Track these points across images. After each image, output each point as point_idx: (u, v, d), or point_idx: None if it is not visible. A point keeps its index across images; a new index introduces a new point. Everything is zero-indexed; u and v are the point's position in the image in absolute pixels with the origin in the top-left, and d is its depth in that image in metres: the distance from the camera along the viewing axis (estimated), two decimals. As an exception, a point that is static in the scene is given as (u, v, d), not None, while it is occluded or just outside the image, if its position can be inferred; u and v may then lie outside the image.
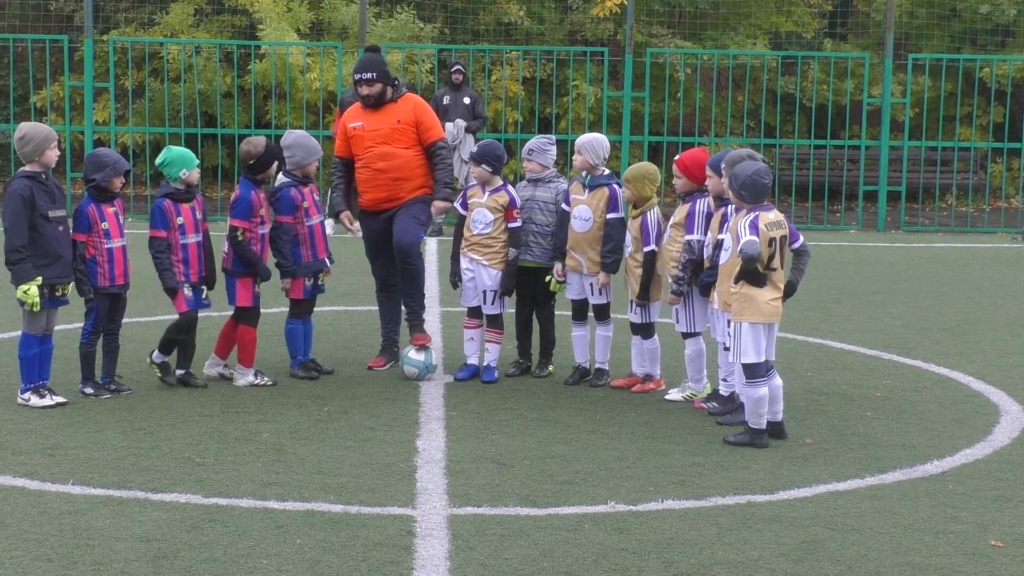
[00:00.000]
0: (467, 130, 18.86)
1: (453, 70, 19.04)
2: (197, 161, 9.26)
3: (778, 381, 8.10)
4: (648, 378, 9.40)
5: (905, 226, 21.28)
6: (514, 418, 8.57)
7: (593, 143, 9.41)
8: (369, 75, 9.76)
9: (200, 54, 22.07)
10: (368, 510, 6.62)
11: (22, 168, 8.55)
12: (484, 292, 9.50)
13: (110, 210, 8.82)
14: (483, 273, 9.48)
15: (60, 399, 8.59)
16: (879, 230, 20.98)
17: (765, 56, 22.28)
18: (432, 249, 17.03)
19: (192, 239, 9.11)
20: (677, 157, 9.05)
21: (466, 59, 21.46)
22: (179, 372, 9.24)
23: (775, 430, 8.08)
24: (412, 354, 9.60)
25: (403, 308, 9.99)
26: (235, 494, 6.81)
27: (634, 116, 21.70)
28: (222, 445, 7.76)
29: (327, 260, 9.68)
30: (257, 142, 9.41)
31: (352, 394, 9.11)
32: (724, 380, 8.76)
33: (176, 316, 9.18)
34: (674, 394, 9.16)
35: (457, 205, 9.67)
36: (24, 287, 8.30)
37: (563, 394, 9.29)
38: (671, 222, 8.98)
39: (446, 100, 18.94)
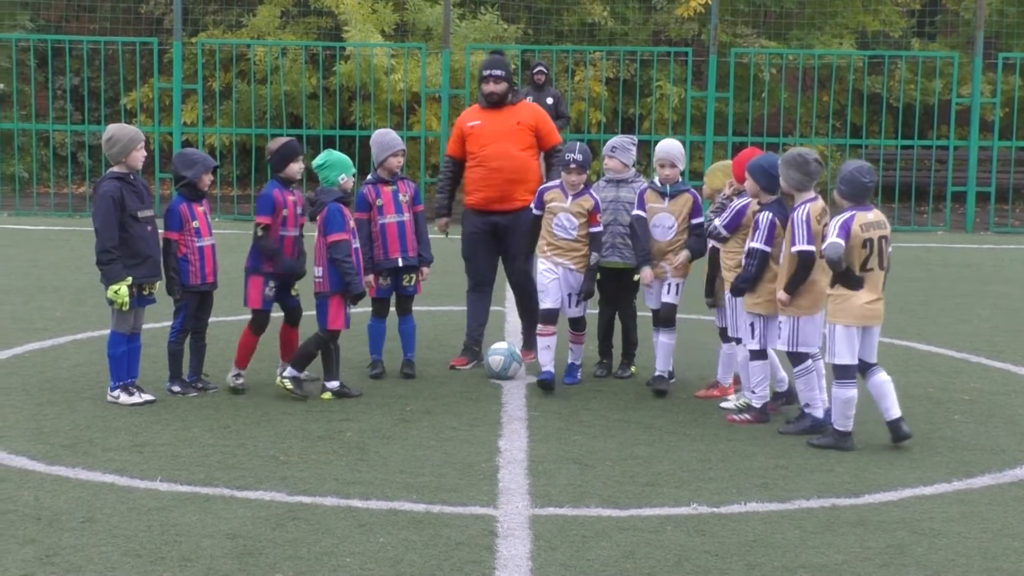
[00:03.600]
0: (550, 131, 18.84)
1: (535, 70, 19.05)
2: (354, 169, 9.16)
3: (882, 377, 7.98)
4: (714, 384, 9.28)
5: (995, 227, 20.97)
6: (596, 419, 8.56)
7: (682, 152, 9.38)
8: (499, 72, 10.05)
9: (286, 56, 22.29)
10: (450, 509, 6.64)
11: (110, 169, 8.68)
12: (569, 295, 9.38)
13: (200, 209, 8.96)
14: (568, 277, 9.35)
15: (149, 397, 8.72)
16: (967, 231, 20.69)
17: (851, 56, 22.06)
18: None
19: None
20: None
21: (550, 59, 21.47)
22: (333, 384, 9.06)
23: (893, 429, 7.98)
24: (496, 345, 9.66)
25: (523, 324, 10.31)
26: (319, 492, 6.86)
27: (718, 116, 21.59)
28: (306, 444, 7.82)
29: (399, 259, 9.49)
30: (276, 141, 9.28)
31: (434, 394, 9.14)
32: (753, 392, 8.64)
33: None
34: (728, 403, 8.98)
35: (532, 207, 9.55)
36: (115, 287, 8.43)
37: (645, 395, 9.26)
38: None
39: (529, 100, 18.95)
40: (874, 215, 7.91)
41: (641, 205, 9.31)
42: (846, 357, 7.87)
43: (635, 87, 22.30)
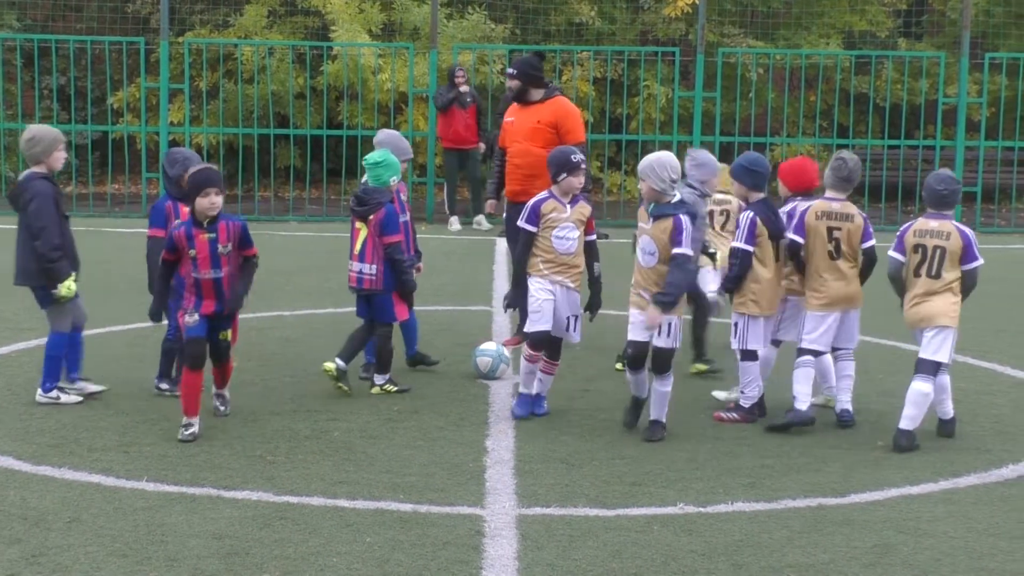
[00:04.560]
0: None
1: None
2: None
3: (918, 388, 8.06)
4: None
5: (981, 227, 21.01)
6: (583, 419, 8.56)
7: (655, 166, 8.02)
8: (511, 70, 10.75)
9: (273, 55, 22.26)
10: (437, 509, 6.65)
11: (32, 170, 8.59)
12: (568, 319, 8.54)
13: (185, 208, 8.92)
14: (568, 296, 8.55)
15: (91, 389, 8.76)
16: (954, 231, 20.72)
17: (838, 56, 22.10)
18: (502, 250, 17.06)
19: None
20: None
21: (537, 59, 21.45)
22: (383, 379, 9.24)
23: (896, 435, 8.09)
24: (483, 345, 9.68)
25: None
26: (306, 492, 6.86)
27: (705, 116, 21.60)
28: (293, 444, 7.82)
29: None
30: (193, 168, 8.25)
31: (422, 394, 9.14)
32: (743, 392, 8.66)
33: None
34: (721, 393, 9.09)
35: (525, 224, 8.59)
36: (67, 283, 8.44)
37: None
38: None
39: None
40: (938, 224, 8.11)
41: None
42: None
43: (623, 87, 22.31)
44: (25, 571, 5.73)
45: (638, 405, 8.39)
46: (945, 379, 8.22)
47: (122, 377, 9.32)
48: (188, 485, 6.95)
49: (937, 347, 8.07)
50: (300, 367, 9.77)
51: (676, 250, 7.98)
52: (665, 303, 7.96)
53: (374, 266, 9.00)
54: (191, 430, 7.87)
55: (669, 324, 8.04)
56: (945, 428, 8.31)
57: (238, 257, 8.04)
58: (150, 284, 8.74)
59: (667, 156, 8.11)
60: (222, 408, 8.46)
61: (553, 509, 6.69)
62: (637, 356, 8.20)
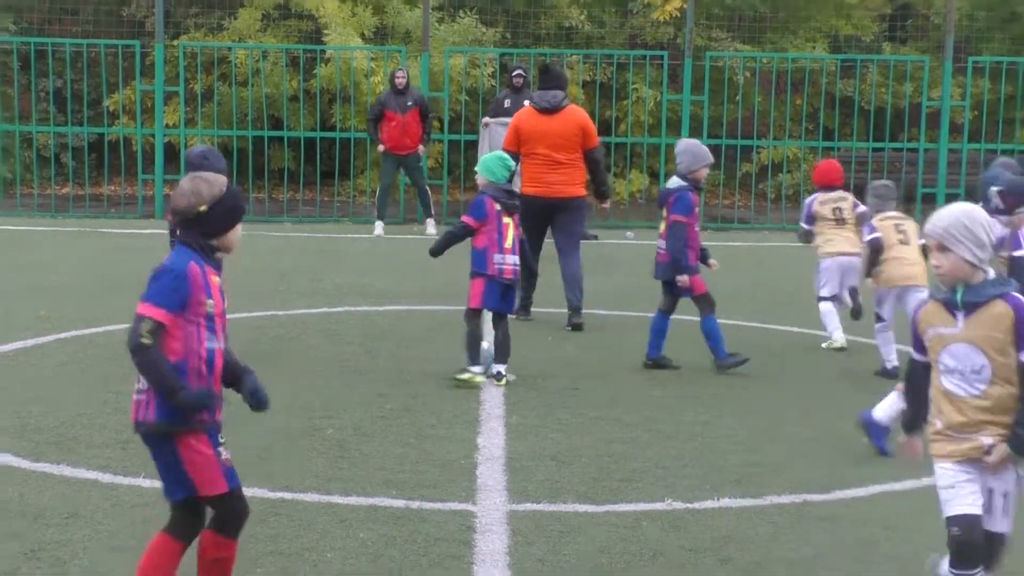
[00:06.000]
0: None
1: (514, 74, 19.10)
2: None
3: None
4: None
5: (967, 229, 21.13)
6: (573, 416, 8.64)
7: (967, 223, 4.82)
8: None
9: (267, 58, 22.35)
10: (429, 505, 6.71)
11: None
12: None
13: None
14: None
15: None
16: (941, 233, 20.81)
17: (824, 59, 22.23)
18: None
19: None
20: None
21: (527, 63, 21.59)
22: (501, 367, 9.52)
23: None
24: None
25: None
26: (300, 489, 6.93)
27: (693, 119, 21.72)
28: (287, 441, 7.89)
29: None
30: (211, 183, 4.92)
31: (414, 392, 9.21)
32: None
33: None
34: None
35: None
36: None
37: (621, 393, 9.35)
38: None
39: (507, 103, 18.99)
40: None
41: (918, 344, 5.13)
42: None
43: (611, 90, 22.41)
44: (24, 566, 5.78)
45: None
46: None
47: (120, 375, 9.38)
48: (185, 482, 7.01)
49: None
50: (294, 366, 9.85)
51: None
52: None
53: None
54: None
55: (1006, 496, 4.96)
56: None
57: None
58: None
59: (975, 209, 4.93)
60: None
61: (543, 505, 6.75)
62: (974, 543, 4.82)
